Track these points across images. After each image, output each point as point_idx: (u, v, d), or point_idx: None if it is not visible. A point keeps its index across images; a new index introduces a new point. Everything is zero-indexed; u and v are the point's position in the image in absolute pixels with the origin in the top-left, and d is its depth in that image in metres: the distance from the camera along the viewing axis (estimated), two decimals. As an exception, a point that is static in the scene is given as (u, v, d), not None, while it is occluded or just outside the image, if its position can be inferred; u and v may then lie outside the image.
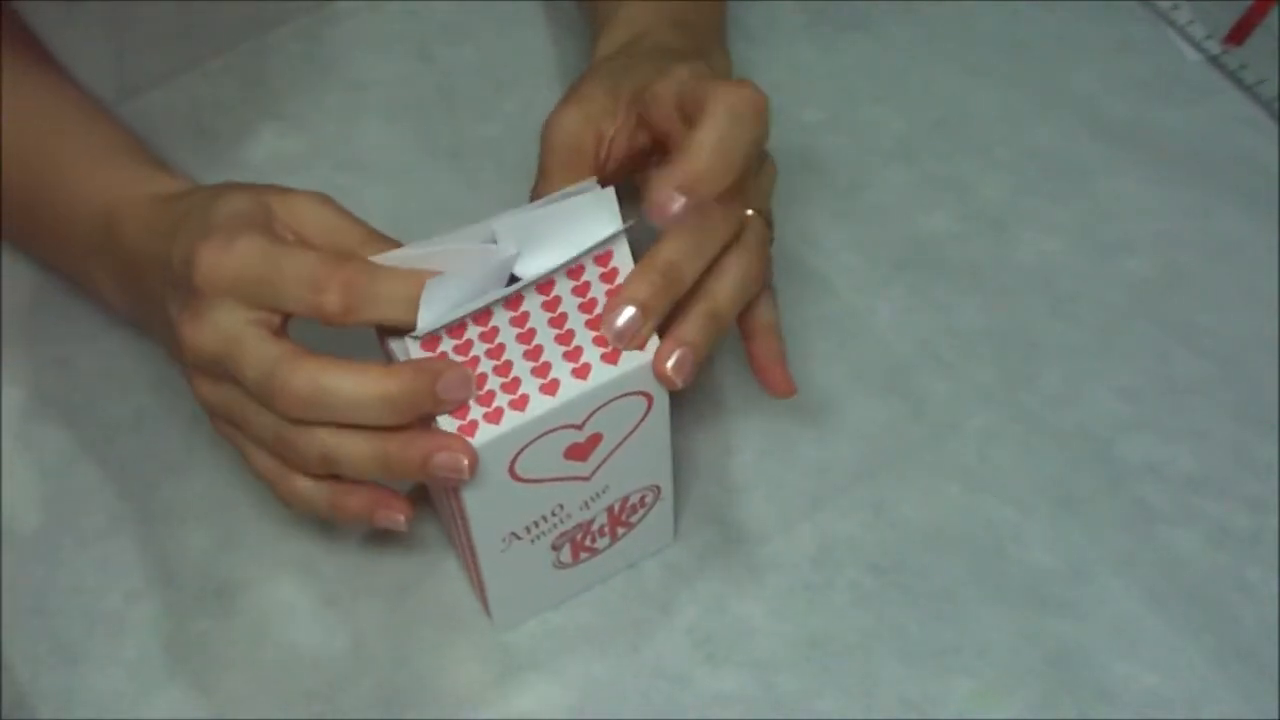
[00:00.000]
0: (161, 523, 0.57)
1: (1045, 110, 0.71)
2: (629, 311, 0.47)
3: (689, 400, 0.60)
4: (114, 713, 0.53)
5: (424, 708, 0.53)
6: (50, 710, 0.53)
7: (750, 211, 0.51)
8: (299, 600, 0.55)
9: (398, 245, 0.48)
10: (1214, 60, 0.73)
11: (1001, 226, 0.67)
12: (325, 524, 0.57)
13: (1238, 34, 0.73)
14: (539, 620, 0.55)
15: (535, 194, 0.52)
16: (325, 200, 0.49)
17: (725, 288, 0.50)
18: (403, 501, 0.50)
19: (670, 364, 0.48)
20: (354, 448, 0.47)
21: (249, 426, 0.48)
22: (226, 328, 0.46)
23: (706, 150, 0.48)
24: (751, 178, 0.51)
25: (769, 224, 0.53)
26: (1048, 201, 0.68)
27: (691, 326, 0.49)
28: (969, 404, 0.61)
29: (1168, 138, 0.70)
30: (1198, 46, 0.73)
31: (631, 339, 0.48)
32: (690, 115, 0.49)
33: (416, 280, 0.45)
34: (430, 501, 0.56)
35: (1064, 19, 0.75)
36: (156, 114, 0.68)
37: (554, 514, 0.51)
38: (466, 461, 0.46)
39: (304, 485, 0.49)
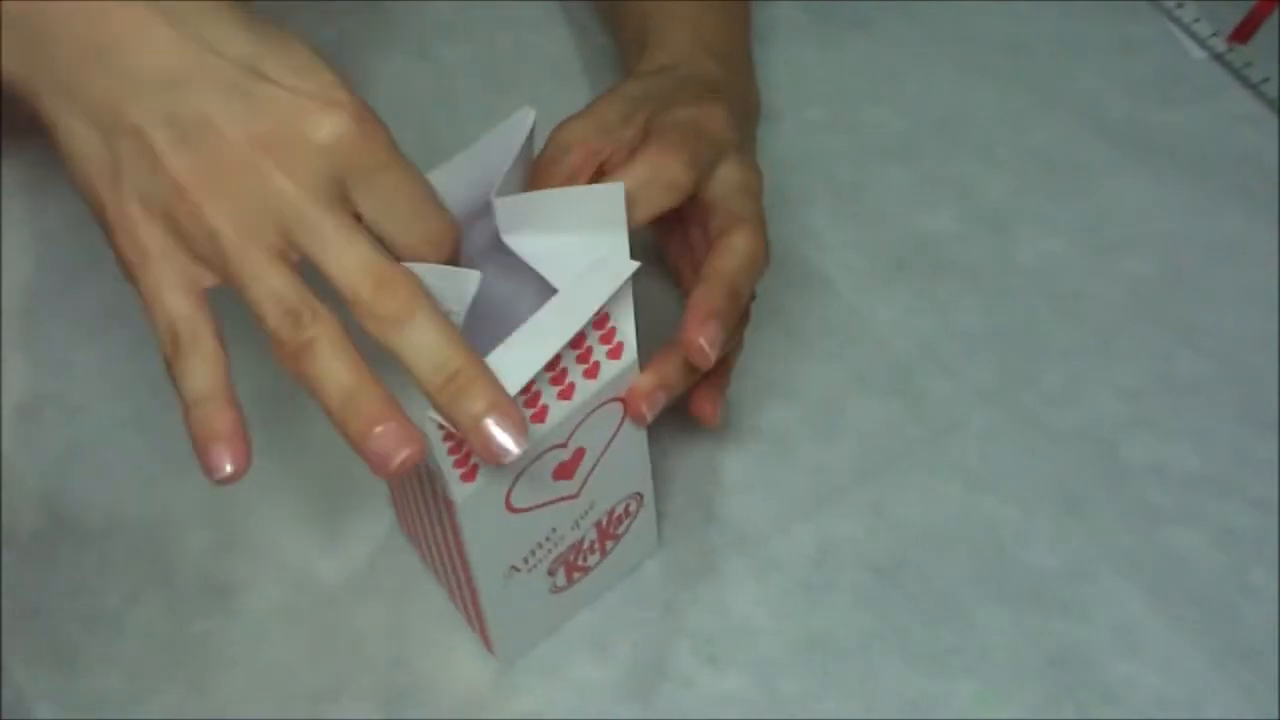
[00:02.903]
0: (161, 523, 0.57)
1: (1046, 110, 0.71)
2: (661, 397, 0.50)
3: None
4: (113, 713, 0.53)
5: (424, 709, 0.53)
6: (49, 710, 0.53)
7: None
8: (299, 601, 0.55)
9: None
10: (1219, 58, 0.73)
11: (1002, 226, 0.67)
12: (325, 524, 0.57)
13: (1243, 32, 0.73)
14: (539, 621, 0.55)
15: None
16: None
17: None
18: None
19: (646, 405, 0.50)
20: (338, 369, 0.42)
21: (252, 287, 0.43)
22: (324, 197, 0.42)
23: (721, 290, 0.51)
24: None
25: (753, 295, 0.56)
26: (1049, 201, 0.68)
27: (673, 370, 0.51)
28: (969, 404, 0.61)
29: (1170, 137, 0.70)
30: (1202, 44, 0.73)
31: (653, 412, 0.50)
32: (712, 239, 0.53)
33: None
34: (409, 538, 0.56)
35: (1066, 18, 0.75)
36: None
37: (548, 539, 0.51)
38: (401, 455, 0.42)
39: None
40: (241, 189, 0.42)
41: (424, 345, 0.42)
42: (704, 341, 0.49)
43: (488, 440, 0.42)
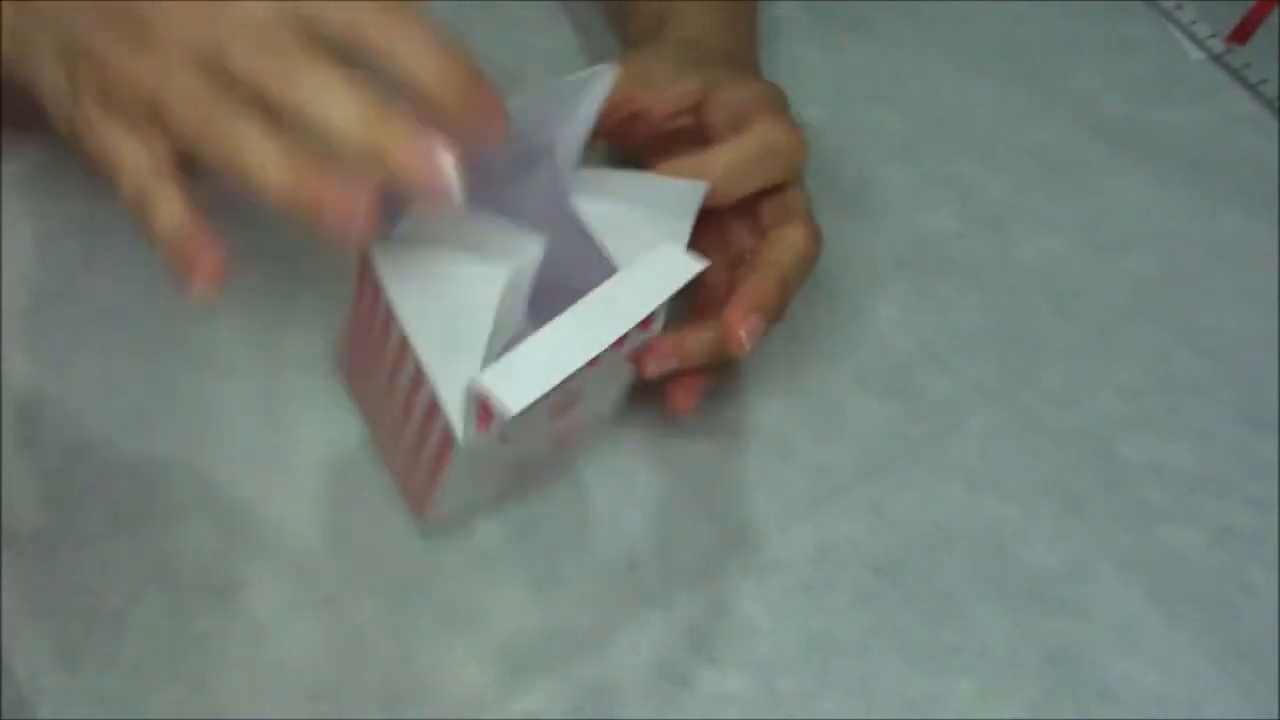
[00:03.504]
0: (162, 523, 0.57)
1: (1046, 110, 0.71)
2: (673, 364, 0.51)
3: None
4: (114, 713, 0.53)
5: (425, 708, 0.53)
6: (50, 710, 0.53)
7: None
8: (300, 600, 0.55)
9: None
10: (1217, 59, 0.73)
11: (1002, 226, 0.67)
12: (327, 523, 0.57)
13: (1241, 33, 0.73)
14: (539, 619, 0.55)
15: None
16: None
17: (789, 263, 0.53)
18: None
19: (654, 363, 0.50)
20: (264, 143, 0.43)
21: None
22: None
23: (728, 161, 0.51)
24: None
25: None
26: (1049, 201, 0.68)
27: (695, 348, 0.52)
28: (969, 404, 0.61)
29: (1169, 137, 0.70)
30: (1201, 45, 0.74)
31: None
32: (765, 229, 0.54)
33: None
34: (351, 388, 0.57)
35: (1066, 18, 0.75)
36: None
37: (517, 453, 0.51)
38: (360, 213, 0.42)
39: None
40: (171, 47, 0.44)
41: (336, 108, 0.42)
42: (744, 332, 0.50)
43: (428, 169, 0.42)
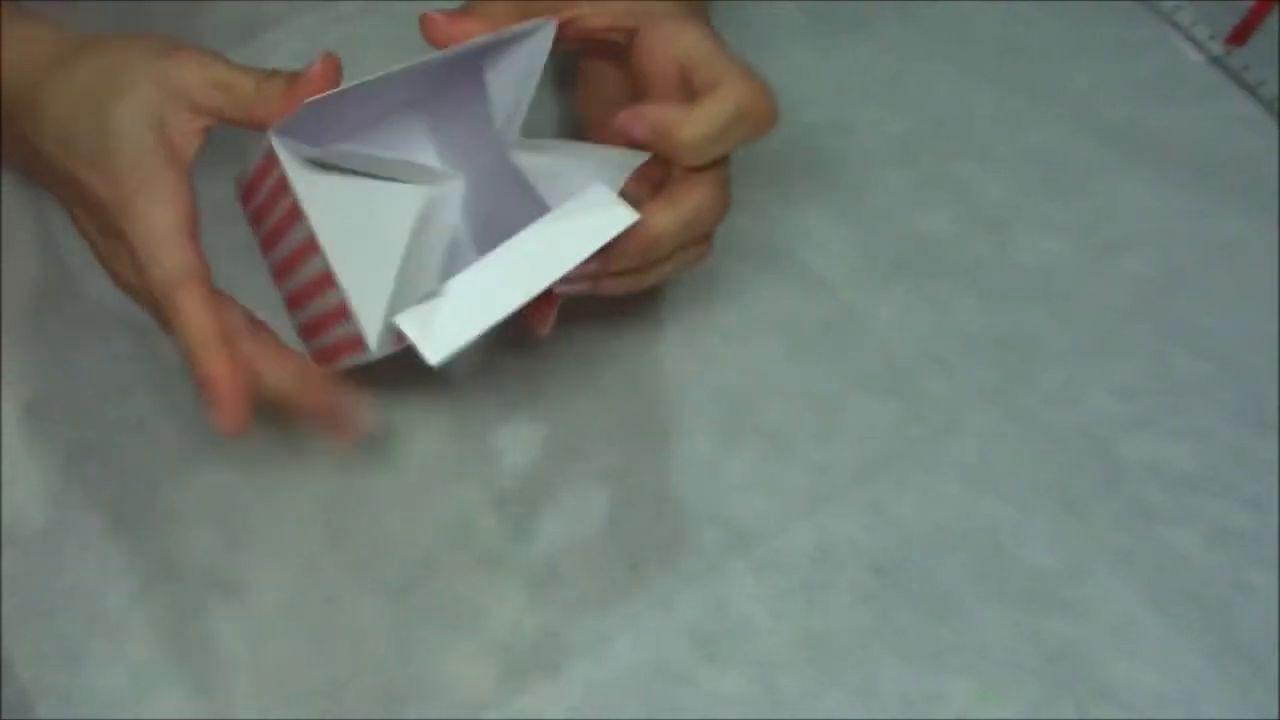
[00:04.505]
0: (164, 522, 0.57)
1: (1045, 111, 0.71)
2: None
3: (691, 399, 0.60)
4: (116, 712, 0.53)
5: (426, 707, 0.53)
6: (51, 710, 0.53)
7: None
8: (301, 599, 0.55)
9: (292, 76, 0.49)
10: (1216, 61, 0.73)
11: (1001, 227, 0.67)
12: (328, 522, 0.57)
13: (1240, 35, 0.73)
14: (538, 619, 0.55)
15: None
16: (214, 58, 0.51)
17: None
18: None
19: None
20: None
21: None
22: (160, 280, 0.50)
23: (702, 131, 0.51)
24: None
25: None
26: (1047, 202, 0.68)
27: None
28: (969, 404, 0.61)
29: (1168, 138, 0.70)
30: (1200, 47, 0.74)
31: None
32: (696, 89, 0.52)
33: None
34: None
35: (1064, 20, 0.75)
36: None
37: None
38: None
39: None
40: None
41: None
42: (631, 120, 0.51)
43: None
